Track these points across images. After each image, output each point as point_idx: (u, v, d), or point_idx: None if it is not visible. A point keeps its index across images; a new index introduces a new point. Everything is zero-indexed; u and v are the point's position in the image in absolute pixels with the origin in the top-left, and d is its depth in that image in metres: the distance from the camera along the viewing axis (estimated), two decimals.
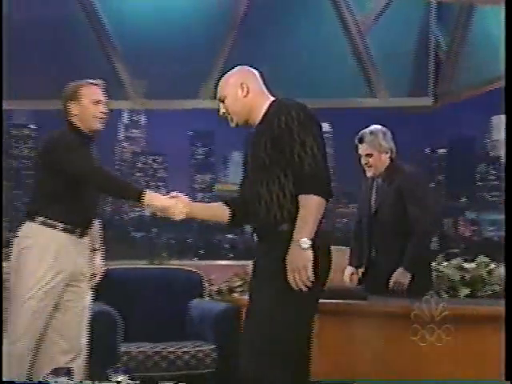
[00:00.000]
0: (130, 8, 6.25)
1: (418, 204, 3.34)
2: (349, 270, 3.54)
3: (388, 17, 6.15)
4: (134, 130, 40.96)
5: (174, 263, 5.29)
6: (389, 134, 3.43)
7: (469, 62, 5.96)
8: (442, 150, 35.96)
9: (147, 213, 39.61)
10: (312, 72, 6.13)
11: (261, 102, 2.38)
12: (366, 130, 3.43)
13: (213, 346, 3.53)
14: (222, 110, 2.45)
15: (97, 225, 3.09)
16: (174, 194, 2.57)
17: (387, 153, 3.39)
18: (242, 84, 2.39)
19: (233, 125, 2.44)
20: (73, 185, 2.79)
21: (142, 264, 5.10)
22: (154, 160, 40.83)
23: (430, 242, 3.67)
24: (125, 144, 40.20)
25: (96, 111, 2.85)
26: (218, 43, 6.16)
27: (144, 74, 6.20)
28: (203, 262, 5.64)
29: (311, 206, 2.19)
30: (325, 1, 6.13)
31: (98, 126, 2.88)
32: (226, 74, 2.48)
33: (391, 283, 3.27)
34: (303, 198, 2.20)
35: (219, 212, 2.48)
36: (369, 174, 3.44)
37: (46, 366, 2.68)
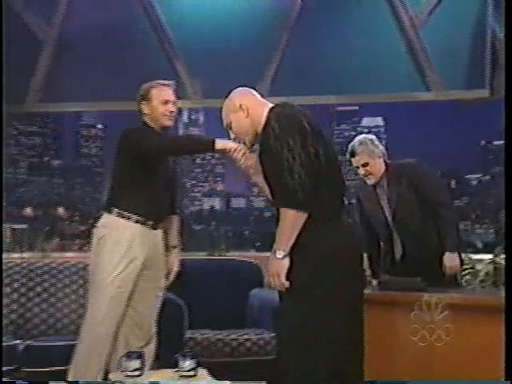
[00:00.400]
0: (189, 12, 6.33)
1: (435, 189, 3.35)
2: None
3: (442, 10, 5.98)
4: (193, 128, 41.39)
5: (233, 255, 5.34)
6: (375, 139, 3.45)
7: None
8: (498, 142, 34.73)
9: (206, 207, 40.09)
10: (366, 68, 6.06)
11: (260, 114, 2.40)
12: (355, 143, 3.45)
13: (273, 334, 3.55)
14: (233, 136, 2.52)
15: (175, 222, 3.16)
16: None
17: (380, 157, 3.40)
18: (241, 106, 2.46)
19: (248, 145, 2.49)
20: (146, 179, 2.89)
21: (202, 255, 5.18)
22: (212, 156, 41.18)
23: (458, 219, 3.61)
24: None
25: (165, 110, 2.95)
26: (272, 44, 6.15)
27: (203, 75, 6.26)
28: (260, 254, 5.68)
29: (286, 219, 2.22)
30: None
31: (168, 123, 2.98)
32: (225, 103, 2.55)
33: (447, 270, 3.21)
34: (281, 211, 2.24)
35: None
36: (370, 182, 3.42)
37: (122, 350, 2.77)
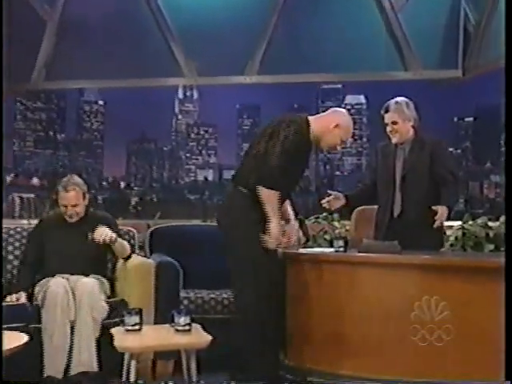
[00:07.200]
0: None
1: (450, 163, 3.33)
2: None
3: None
4: (187, 104, 40.95)
5: None
6: (411, 104, 3.34)
7: (496, 37, 5.69)
8: (468, 119, 34.73)
9: (200, 178, 40.10)
10: (349, 48, 6.05)
11: None
12: (391, 101, 3.36)
13: None
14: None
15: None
16: None
17: (410, 121, 3.31)
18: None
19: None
20: None
21: (197, 222, 5.17)
22: (205, 131, 40.87)
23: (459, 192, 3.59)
24: (180, 117, 40.33)
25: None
26: (261, 26, 6.19)
27: (196, 54, 6.25)
28: None
29: None
30: None
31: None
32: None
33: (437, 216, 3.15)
34: None
35: None
36: (393, 140, 3.34)
37: None
